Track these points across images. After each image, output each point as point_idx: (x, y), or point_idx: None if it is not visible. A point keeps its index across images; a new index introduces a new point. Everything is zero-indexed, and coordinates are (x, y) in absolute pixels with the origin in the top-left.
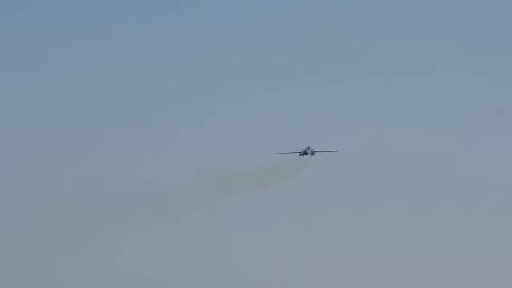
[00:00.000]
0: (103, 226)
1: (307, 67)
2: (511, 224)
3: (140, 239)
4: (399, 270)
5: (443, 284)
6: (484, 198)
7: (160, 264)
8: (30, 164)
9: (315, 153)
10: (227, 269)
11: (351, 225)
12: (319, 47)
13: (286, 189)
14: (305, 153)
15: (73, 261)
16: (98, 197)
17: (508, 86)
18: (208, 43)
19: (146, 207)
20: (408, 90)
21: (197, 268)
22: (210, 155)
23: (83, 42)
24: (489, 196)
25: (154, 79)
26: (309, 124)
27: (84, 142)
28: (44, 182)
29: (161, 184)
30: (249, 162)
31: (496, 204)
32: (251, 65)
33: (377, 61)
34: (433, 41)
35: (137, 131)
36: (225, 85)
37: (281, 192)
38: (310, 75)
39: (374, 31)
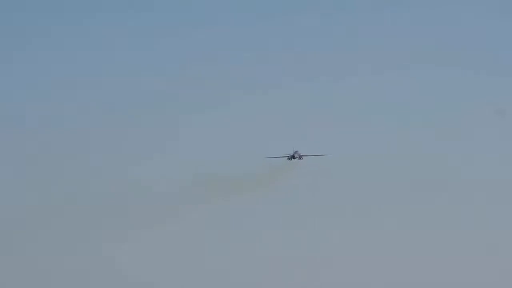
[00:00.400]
0: (103, 226)
1: (297, 69)
2: (511, 224)
3: (132, 240)
4: (393, 274)
5: (441, 284)
6: (484, 198)
7: (156, 265)
8: (30, 164)
9: (303, 157)
10: (221, 269)
11: (342, 227)
12: (315, 49)
13: (276, 192)
14: (293, 157)
15: (73, 261)
16: (97, 197)
17: (508, 86)
18: (207, 43)
19: (139, 208)
20: (408, 90)
21: (191, 268)
22: (200, 157)
23: (83, 42)
24: (489, 196)
25: (153, 79)
26: (302, 126)
27: (84, 142)
28: (44, 182)
29: (151, 185)
30: (239, 166)
31: (496, 204)
32: (241, 67)
33: (377, 61)
34: (433, 41)
35: (134, 131)
36: (214, 89)
37: (271, 195)
38: (300, 77)
39: (374, 31)
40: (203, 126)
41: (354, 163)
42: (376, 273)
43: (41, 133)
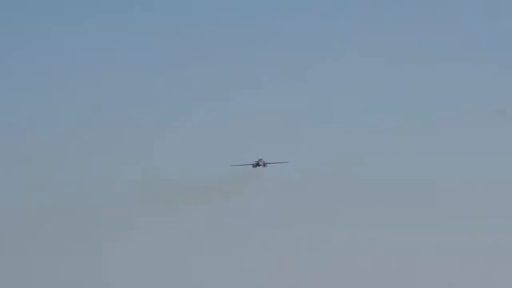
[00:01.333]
0: (103, 226)
1: (297, 69)
2: (511, 224)
3: (132, 240)
4: (391, 276)
5: (438, 284)
6: (484, 198)
7: (155, 265)
8: (30, 164)
9: (267, 164)
10: (219, 270)
11: (341, 227)
12: (314, 49)
13: (243, 199)
14: (257, 164)
15: (73, 261)
16: (97, 197)
17: (508, 86)
18: (207, 43)
19: (139, 208)
20: (407, 90)
21: (190, 268)
22: (163, 164)
23: (83, 42)
24: (489, 196)
25: (153, 79)
26: (302, 126)
27: (83, 142)
28: (44, 182)
29: (151, 185)
30: (205, 173)
31: (496, 204)
32: (241, 67)
33: (377, 61)
34: (433, 41)
35: (134, 131)
36: (214, 88)
37: (237, 203)
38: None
39: (374, 31)
40: (202, 126)
41: (353, 163)
42: (372, 274)
43: (40, 133)
